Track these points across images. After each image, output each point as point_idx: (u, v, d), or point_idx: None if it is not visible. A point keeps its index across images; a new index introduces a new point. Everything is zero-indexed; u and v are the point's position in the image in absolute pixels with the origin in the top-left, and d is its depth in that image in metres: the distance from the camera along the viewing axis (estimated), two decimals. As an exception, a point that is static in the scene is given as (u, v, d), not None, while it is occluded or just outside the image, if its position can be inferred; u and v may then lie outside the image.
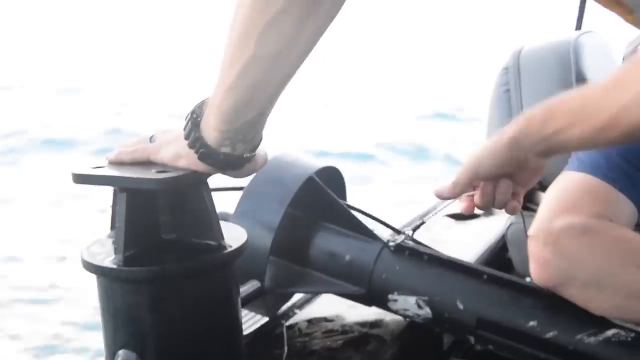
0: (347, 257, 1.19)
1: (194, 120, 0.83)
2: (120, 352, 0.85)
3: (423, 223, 1.19)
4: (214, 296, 0.88)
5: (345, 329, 1.28)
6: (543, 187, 1.71)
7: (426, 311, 1.16)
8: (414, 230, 1.19)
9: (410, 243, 1.21)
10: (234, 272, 0.91)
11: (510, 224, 1.77)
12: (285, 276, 1.19)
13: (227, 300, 0.90)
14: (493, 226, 1.99)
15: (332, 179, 1.25)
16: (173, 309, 0.85)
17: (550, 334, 1.09)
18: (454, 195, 0.97)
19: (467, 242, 1.90)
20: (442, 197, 0.98)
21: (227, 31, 0.74)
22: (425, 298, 1.16)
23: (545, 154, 0.90)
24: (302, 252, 1.21)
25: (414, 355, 1.27)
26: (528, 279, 1.71)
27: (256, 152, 0.87)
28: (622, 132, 0.77)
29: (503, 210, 1.00)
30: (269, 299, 1.19)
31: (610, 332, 1.06)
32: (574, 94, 0.85)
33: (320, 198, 1.20)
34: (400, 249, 1.19)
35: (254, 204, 1.17)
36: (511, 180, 0.97)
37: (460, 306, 1.14)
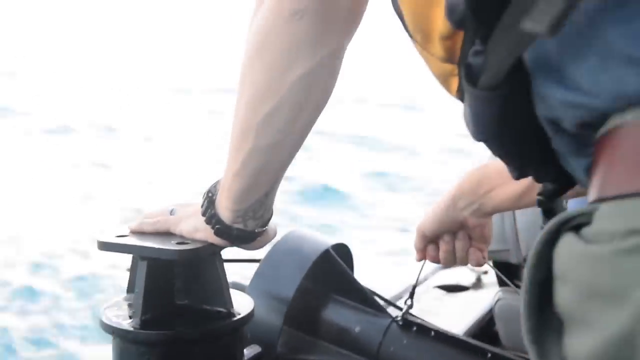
0: (357, 329, 1.25)
1: (210, 199, 0.91)
2: (132, 410, 0.92)
3: (416, 286, 1.24)
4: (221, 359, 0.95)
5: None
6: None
7: (431, 386, 1.20)
8: (411, 297, 1.23)
9: (418, 319, 1.26)
10: (242, 337, 0.98)
11: (498, 299, 1.81)
12: (296, 345, 1.25)
13: (234, 364, 0.97)
14: (481, 299, 2.06)
15: (342, 254, 1.32)
16: (183, 370, 0.92)
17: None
18: (419, 257, 1.10)
19: (456, 314, 1.97)
20: (417, 260, 1.11)
21: (232, 118, 0.82)
22: None
23: (479, 212, 0.97)
24: (313, 322, 1.26)
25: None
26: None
27: (266, 229, 0.94)
28: None
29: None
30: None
31: None
32: None
33: (334, 271, 1.27)
34: (408, 323, 1.24)
35: (271, 274, 1.24)
36: (468, 236, 1.04)
37: None
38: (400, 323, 1.24)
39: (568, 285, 0.45)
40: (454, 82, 0.56)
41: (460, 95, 0.56)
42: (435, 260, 1.09)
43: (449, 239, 1.06)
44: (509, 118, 0.52)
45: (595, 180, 0.47)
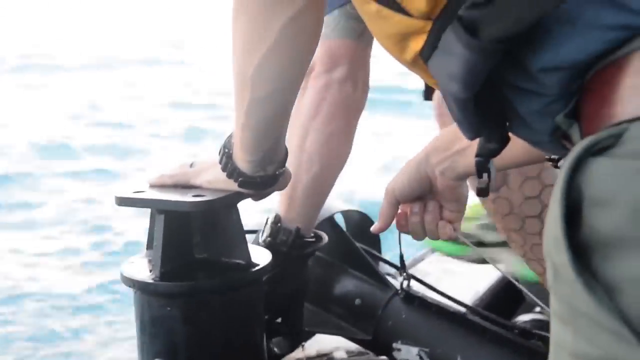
0: (357, 301, 1.28)
1: (227, 154, 0.96)
2: (154, 361, 0.95)
3: (403, 256, 1.22)
4: (242, 311, 0.99)
5: (362, 351, 1.39)
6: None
7: (427, 364, 1.20)
8: (403, 267, 1.24)
9: (421, 293, 1.29)
10: (261, 289, 1.02)
11: None
12: (305, 315, 1.27)
13: (254, 315, 1.01)
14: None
15: (361, 224, 1.35)
16: (204, 321, 0.95)
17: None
18: (384, 225, 1.02)
19: (480, 272, 1.93)
20: (377, 231, 1.03)
21: (232, 72, 0.85)
22: (427, 350, 1.21)
23: (450, 172, 0.96)
24: (316, 291, 1.30)
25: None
26: (537, 309, 1.76)
27: (284, 168, 0.99)
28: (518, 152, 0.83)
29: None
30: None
31: None
32: None
33: (337, 240, 1.30)
34: (410, 297, 1.26)
35: None
36: (439, 208, 1.01)
37: None
38: (402, 296, 1.27)
39: (616, 207, 0.44)
40: (417, 41, 0.57)
41: (426, 52, 0.56)
42: (405, 230, 1.04)
43: (417, 210, 1.01)
44: (495, 73, 0.54)
45: (605, 107, 0.49)
